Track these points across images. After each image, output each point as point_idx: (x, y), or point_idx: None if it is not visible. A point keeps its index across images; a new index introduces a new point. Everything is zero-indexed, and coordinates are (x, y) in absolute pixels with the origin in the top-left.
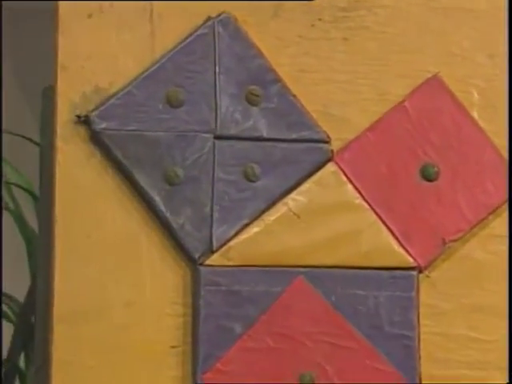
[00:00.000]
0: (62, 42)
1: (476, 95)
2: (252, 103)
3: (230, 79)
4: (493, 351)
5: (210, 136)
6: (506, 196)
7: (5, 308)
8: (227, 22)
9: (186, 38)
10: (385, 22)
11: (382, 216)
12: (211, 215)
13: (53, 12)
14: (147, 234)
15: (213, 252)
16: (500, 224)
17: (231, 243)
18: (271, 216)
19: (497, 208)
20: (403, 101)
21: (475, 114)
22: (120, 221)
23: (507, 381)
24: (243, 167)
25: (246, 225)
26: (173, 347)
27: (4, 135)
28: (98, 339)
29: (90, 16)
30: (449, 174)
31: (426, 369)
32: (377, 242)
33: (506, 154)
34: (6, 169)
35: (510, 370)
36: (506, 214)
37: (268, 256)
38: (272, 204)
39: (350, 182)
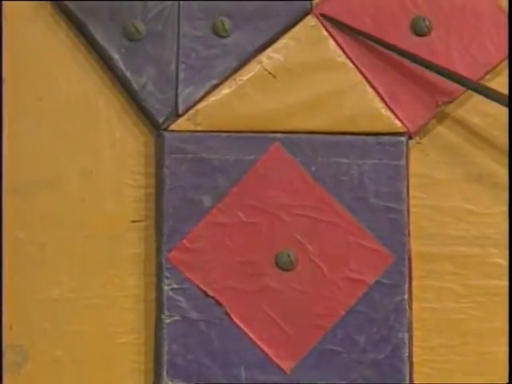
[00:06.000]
0: None
1: None
2: None
3: None
4: (491, 226)
5: None
6: (506, 53)
7: None
8: None
9: None
10: None
11: (368, 76)
12: (176, 75)
13: None
14: (105, 95)
15: (178, 116)
16: (499, 84)
17: (199, 106)
18: (244, 76)
19: (495, 66)
20: None
21: None
22: (75, 81)
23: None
24: (212, 21)
25: (216, 85)
26: (134, 222)
27: None
28: (50, 213)
29: None
30: (442, 28)
31: (416, 245)
32: (361, 105)
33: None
34: None
35: (510, 369)
36: (505, 73)
37: (240, 120)
38: (244, 62)
39: (332, 37)
